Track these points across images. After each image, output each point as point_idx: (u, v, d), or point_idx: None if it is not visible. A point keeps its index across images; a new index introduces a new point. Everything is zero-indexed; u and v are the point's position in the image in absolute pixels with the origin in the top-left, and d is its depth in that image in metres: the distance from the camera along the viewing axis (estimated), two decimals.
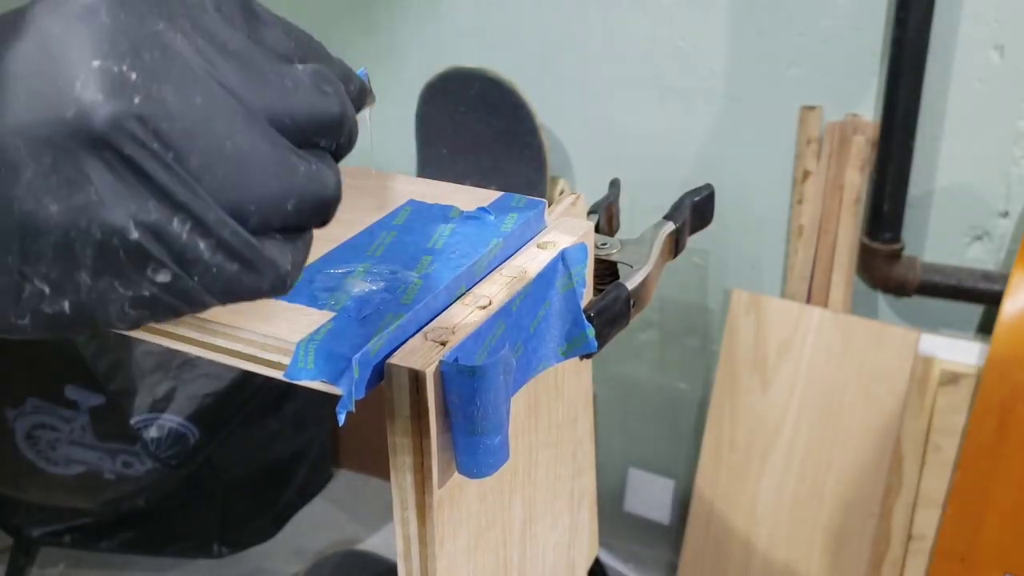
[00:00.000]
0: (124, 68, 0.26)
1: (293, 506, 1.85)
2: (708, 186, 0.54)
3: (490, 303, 0.41)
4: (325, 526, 1.83)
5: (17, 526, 1.66)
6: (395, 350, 0.39)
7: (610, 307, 0.46)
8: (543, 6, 1.37)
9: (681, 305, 1.47)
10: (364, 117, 0.36)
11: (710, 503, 1.43)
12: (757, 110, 1.30)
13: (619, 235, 0.52)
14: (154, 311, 0.29)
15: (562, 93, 1.41)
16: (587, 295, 0.47)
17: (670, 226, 0.51)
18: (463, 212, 0.47)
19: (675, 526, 1.63)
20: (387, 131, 1.56)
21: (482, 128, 1.37)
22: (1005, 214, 1.22)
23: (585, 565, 0.59)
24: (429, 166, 1.43)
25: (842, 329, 1.30)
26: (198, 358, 0.41)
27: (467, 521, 0.43)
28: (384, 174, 0.51)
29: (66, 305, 0.28)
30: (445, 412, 0.39)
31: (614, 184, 0.55)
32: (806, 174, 1.29)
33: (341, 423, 0.36)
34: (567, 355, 0.46)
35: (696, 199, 0.53)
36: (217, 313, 0.40)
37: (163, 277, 0.28)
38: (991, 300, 1.22)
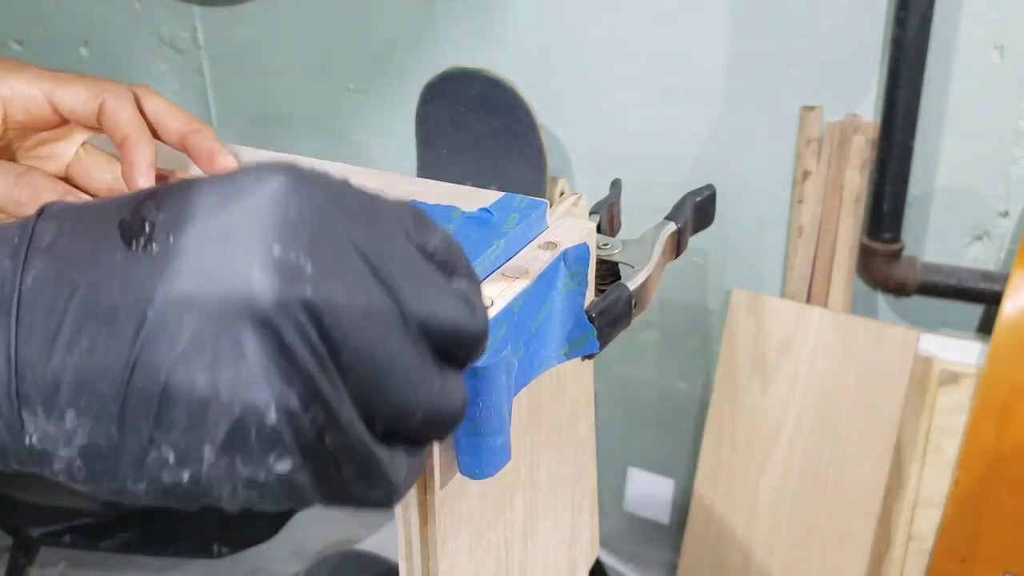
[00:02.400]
0: (301, 259, 0.27)
1: None
2: (709, 186, 0.54)
3: (492, 304, 0.41)
4: (325, 526, 1.83)
5: (17, 526, 1.65)
6: None
7: (612, 308, 0.46)
8: (543, 6, 1.37)
9: (681, 305, 1.47)
10: None
11: (710, 503, 1.43)
12: (757, 110, 1.30)
13: (620, 235, 0.52)
14: (262, 498, 0.29)
15: (562, 93, 1.41)
16: (589, 296, 0.47)
17: (672, 226, 0.51)
18: (465, 213, 0.47)
19: (675, 526, 1.63)
20: (387, 131, 1.56)
21: (482, 128, 1.37)
22: (1005, 214, 1.22)
23: (586, 565, 0.59)
24: (429, 167, 1.43)
25: (842, 329, 1.30)
26: None
27: (469, 521, 0.43)
28: (385, 174, 0.51)
29: (185, 476, 0.28)
30: None
31: (615, 184, 0.55)
32: (806, 174, 1.29)
33: None
34: (569, 356, 0.46)
35: (698, 199, 0.53)
36: None
37: (282, 466, 0.28)
38: (991, 300, 1.22)
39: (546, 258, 0.45)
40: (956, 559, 1.23)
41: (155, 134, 0.49)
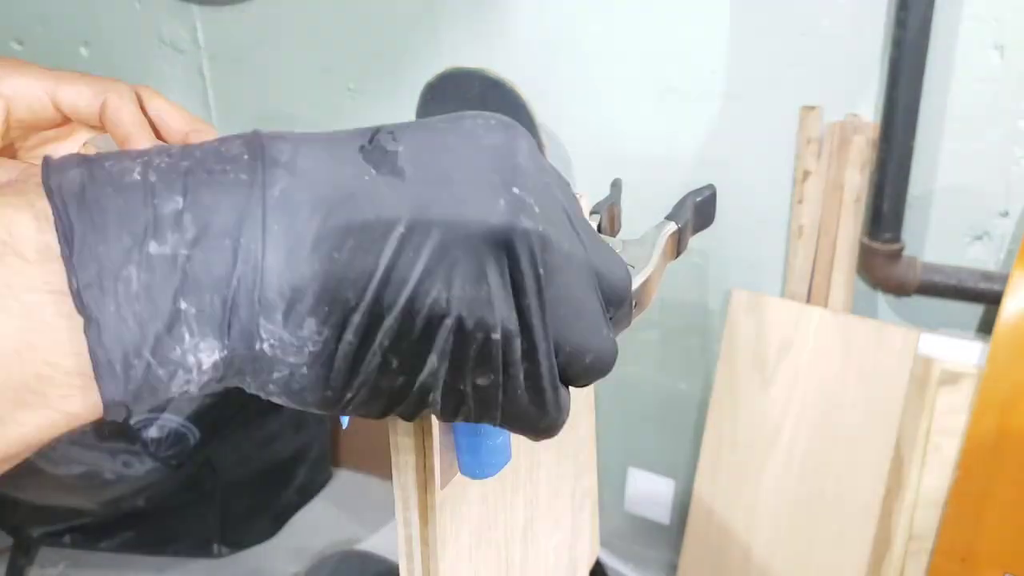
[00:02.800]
0: (532, 202, 0.30)
1: (293, 506, 1.85)
2: (710, 186, 0.54)
3: None
4: (325, 526, 1.83)
5: (17, 526, 1.66)
6: None
7: None
8: (543, 6, 1.37)
9: (681, 305, 1.47)
10: None
11: (710, 503, 1.43)
12: (757, 110, 1.30)
13: (620, 235, 0.52)
14: (457, 407, 0.32)
15: (562, 93, 1.41)
16: None
17: (672, 226, 0.51)
18: None
19: (675, 526, 1.63)
20: None
21: None
22: (1005, 214, 1.22)
23: (586, 565, 0.59)
24: None
25: (842, 329, 1.30)
26: None
27: (469, 521, 0.43)
28: None
29: (400, 381, 0.30)
30: None
31: (615, 184, 0.55)
32: (806, 174, 1.29)
33: (345, 426, 0.36)
34: None
35: (698, 199, 0.53)
36: None
37: (483, 380, 0.31)
38: (991, 300, 1.22)
39: None
40: (956, 559, 1.23)
41: (157, 134, 0.49)
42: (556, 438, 0.51)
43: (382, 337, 0.29)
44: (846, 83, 1.24)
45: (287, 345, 0.29)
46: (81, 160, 0.28)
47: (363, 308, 0.29)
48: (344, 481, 1.94)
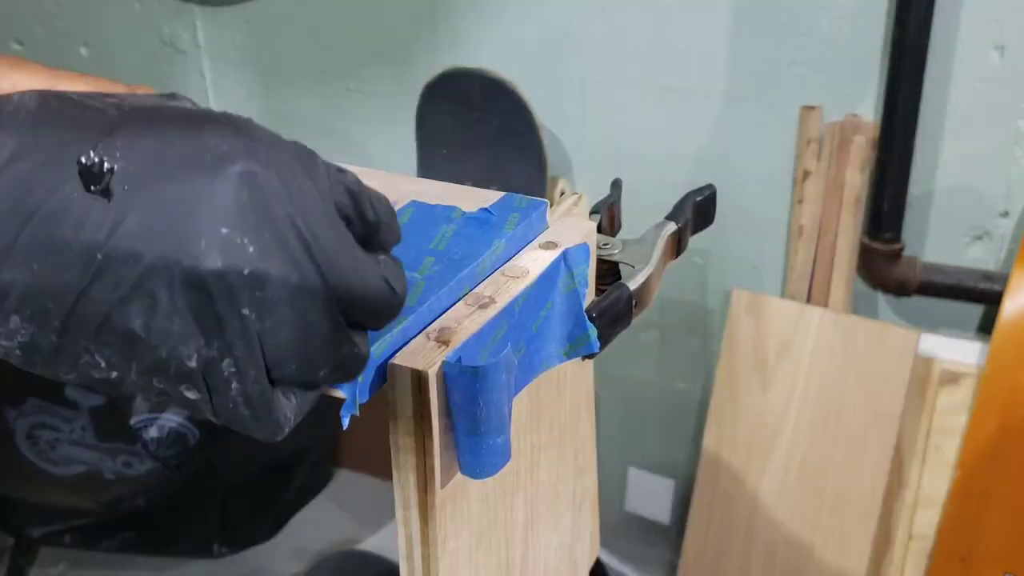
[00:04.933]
0: (245, 242, 0.30)
1: (293, 506, 1.85)
2: (710, 186, 0.54)
3: (493, 303, 0.41)
4: (325, 526, 1.83)
5: (17, 526, 1.65)
6: (398, 351, 0.39)
7: (612, 307, 0.46)
8: (543, 6, 1.37)
9: (681, 305, 1.47)
10: None
11: (710, 503, 1.43)
12: (757, 110, 1.30)
13: (621, 235, 0.52)
14: (179, 403, 0.33)
15: (562, 93, 1.41)
16: (589, 295, 0.47)
17: (672, 226, 0.51)
18: (465, 213, 0.47)
19: (675, 526, 1.63)
20: (387, 131, 1.55)
21: (482, 128, 1.37)
22: (1005, 214, 1.22)
23: (587, 566, 0.59)
24: (429, 166, 1.43)
25: (842, 329, 1.30)
26: None
27: (469, 521, 0.43)
28: (385, 174, 0.51)
29: (113, 375, 0.32)
30: (448, 412, 0.39)
31: (616, 184, 0.55)
32: (806, 174, 1.29)
33: (345, 426, 0.36)
34: (569, 355, 0.46)
35: (698, 199, 0.53)
36: None
37: (192, 395, 0.32)
38: (991, 300, 1.22)
39: (546, 258, 0.45)
40: (956, 559, 1.23)
41: None
42: (556, 438, 0.51)
43: (85, 342, 0.31)
44: (846, 83, 1.24)
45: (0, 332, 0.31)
46: None
47: (61, 317, 0.30)
48: (344, 481, 1.94)
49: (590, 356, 0.46)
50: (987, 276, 1.22)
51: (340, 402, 0.37)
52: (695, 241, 0.54)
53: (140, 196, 0.30)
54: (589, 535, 0.59)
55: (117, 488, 1.57)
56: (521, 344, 0.43)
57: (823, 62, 1.24)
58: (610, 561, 1.63)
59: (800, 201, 1.31)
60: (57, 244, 0.30)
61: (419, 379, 0.37)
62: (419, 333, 0.40)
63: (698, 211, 0.53)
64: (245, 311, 0.31)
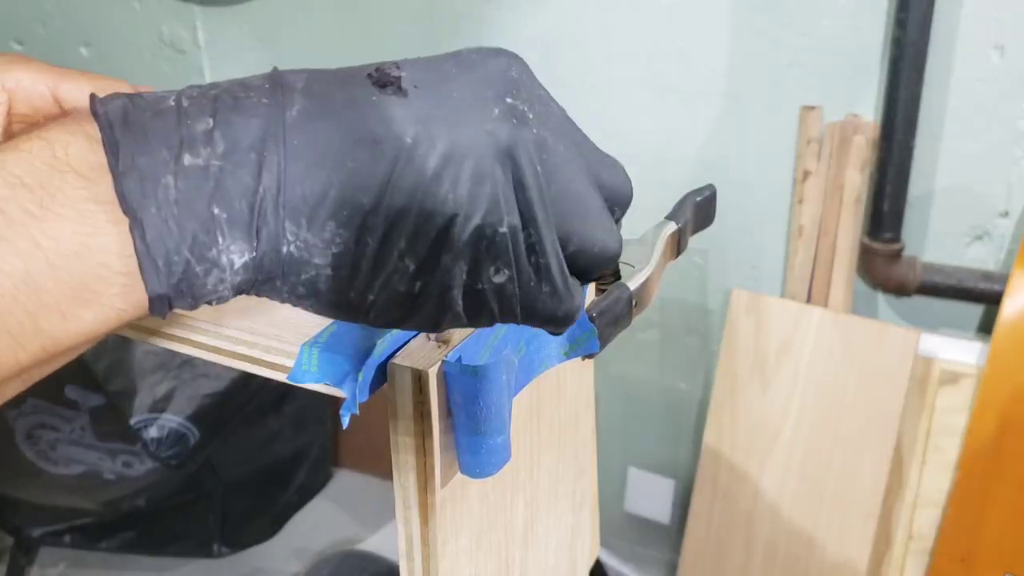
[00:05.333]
0: (525, 108, 0.34)
1: (293, 506, 1.85)
2: (710, 186, 0.54)
3: None
4: (325, 526, 1.83)
5: (17, 526, 1.65)
6: (398, 350, 0.39)
7: (612, 307, 0.46)
8: (543, 6, 1.37)
9: (681, 305, 1.47)
10: None
11: (710, 503, 1.43)
12: (757, 110, 1.30)
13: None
14: (477, 310, 0.34)
15: (562, 93, 1.40)
16: (589, 295, 0.47)
17: (672, 226, 0.51)
18: None
19: (675, 526, 1.63)
20: None
21: None
22: (1005, 214, 1.22)
23: (586, 565, 0.59)
24: None
25: (842, 329, 1.30)
26: (198, 358, 0.41)
27: (469, 521, 0.43)
28: None
29: (418, 285, 0.33)
30: (448, 412, 0.39)
31: None
32: (806, 174, 1.29)
33: (345, 426, 0.36)
34: (569, 356, 0.46)
35: (698, 199, 0.53)
36: (220, 315, 0.40)
37: (499, 277, 0.34)
38: (991, 300, 1.22)
39: None
40: (956, 559, 1.23)
41: None
42: (556, 438, 0.51)
43: (398, 238, 0.32)
44: (846, 83, 1.24)
45: (312, 247, 0.32)
46: (123, 95, 0.33)
47: (378, 211, 0.32)
48: (344, 481, 1.94)
49: (590, 356, 0.46)
50: (987, 276, 1.22)
51: (340, 401, 0.37)
52: (695, 241, 0.54)
53: (430, 90, 0.33)
54: (589, 535, 0.59)
55: (117, 488, 1.57)
56: (521, 344, 0.43)
57: (823, 62, 1.24)
58: (610, 561, 1.63)
59: (800, 201, 1.31)
60: (367, 139, 0.32)
61: (419, 379, 0.37)
62: (419, 333, 0.40)
63: (698, 211, 0.53)
64: (539, 168, 0.33)
